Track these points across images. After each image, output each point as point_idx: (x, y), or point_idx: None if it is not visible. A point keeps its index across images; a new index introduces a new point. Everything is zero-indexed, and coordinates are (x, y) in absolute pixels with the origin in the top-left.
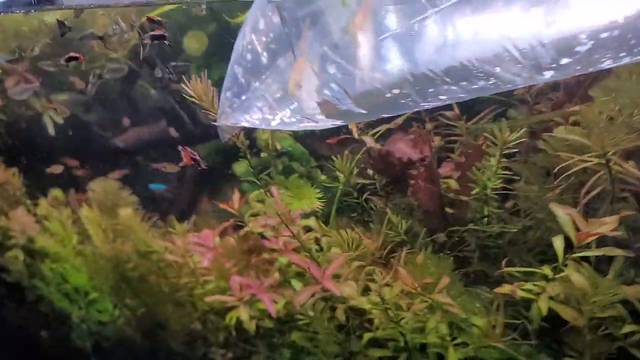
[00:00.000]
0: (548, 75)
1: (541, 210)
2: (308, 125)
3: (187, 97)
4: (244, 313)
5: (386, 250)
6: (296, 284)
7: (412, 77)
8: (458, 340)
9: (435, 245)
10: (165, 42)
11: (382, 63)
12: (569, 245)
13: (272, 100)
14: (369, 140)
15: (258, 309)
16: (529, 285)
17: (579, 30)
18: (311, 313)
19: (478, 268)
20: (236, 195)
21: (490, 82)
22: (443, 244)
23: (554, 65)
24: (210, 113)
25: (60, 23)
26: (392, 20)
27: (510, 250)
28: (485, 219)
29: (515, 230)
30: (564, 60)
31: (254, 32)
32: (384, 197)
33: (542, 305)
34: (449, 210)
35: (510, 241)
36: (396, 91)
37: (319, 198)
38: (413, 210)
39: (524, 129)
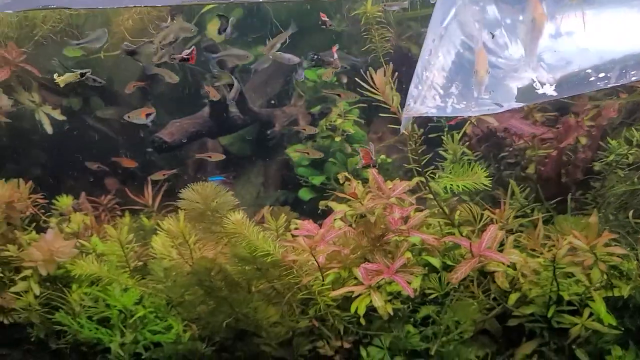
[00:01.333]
0: None
1: None
2: (487, 110)
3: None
4: (377, 299)
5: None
6: (432, 259)
7: (623, 61)
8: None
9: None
10: None
11: (595, 50)
12: None
13: (440, 88)
14: (490, 119)
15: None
16: None
17: None
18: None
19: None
20: (355, 183)
21: None
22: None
23: None
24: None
25: None
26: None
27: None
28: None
29: None
30: None
31: (430, 29)
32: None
33: None
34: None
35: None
36: (602, 74)
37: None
38: (528, 179)
39: None
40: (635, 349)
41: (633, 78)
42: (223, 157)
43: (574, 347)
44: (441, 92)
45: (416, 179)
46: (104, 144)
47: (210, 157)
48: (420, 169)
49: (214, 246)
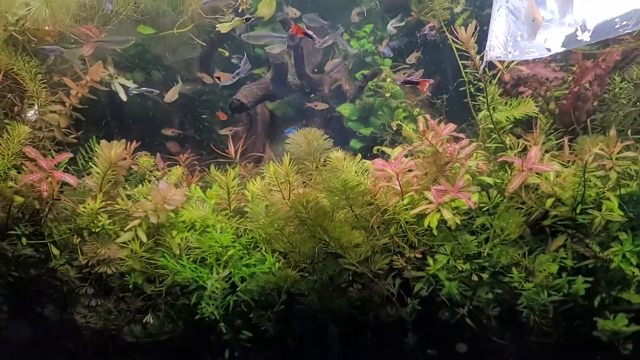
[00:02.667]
0: None
1: None
2: (537, 54)
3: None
4: (447, 213)
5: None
6: (487, 179)
7: None
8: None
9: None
10: None
11: (621, 4)
12: None
13: (500, 40)
14: (522, 68)
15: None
16: None
17: None
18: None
19: None
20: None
21: None
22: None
23: None
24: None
25: None
26: None
27: None
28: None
29: None
30: None
31: None
32: None
33: None
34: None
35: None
36: (624, 22)
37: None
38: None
39: None
40: (633, 234)
41: None
42: (326, 106)
43: (588, 240)
44: (502, 43)
45: (483, 112)
46: (161, 112)
47: (316, 105)
48: (486, 104)
49: (308, 185)
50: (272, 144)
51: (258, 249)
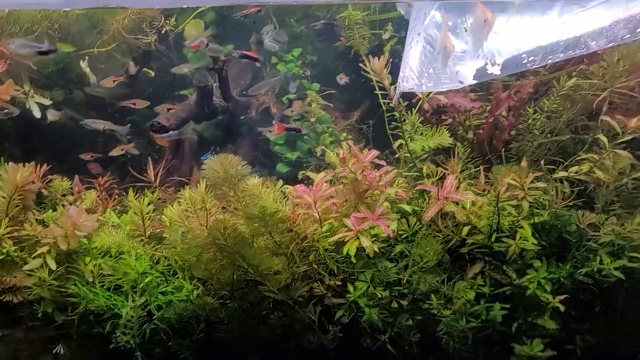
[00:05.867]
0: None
1: None
2: (451, 86)
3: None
4: (365, 241)
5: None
6: (405, 207)
7: (545, 48)
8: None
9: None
10: None
11: (528, 41)
12: None
13: (415, 72)
14: (441, 98)
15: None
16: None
17: None
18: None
19: None
20: (340, 150)
21: (582, 50)
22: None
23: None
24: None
25: None
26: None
27: None
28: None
29: None
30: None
31: (410, 28)
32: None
33: None
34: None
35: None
36: (531, 58)
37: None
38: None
39: None
40: (547, 261)
41: (549, 60)
42: (148, 103)
43: (504, 267)
44: (416, 74)
45: (399, 141)
46: (85, 132)
47: (135, 104)
48: (402, 134)
49: (227, 210)
50: (200, 167)
51: (176, 276)
